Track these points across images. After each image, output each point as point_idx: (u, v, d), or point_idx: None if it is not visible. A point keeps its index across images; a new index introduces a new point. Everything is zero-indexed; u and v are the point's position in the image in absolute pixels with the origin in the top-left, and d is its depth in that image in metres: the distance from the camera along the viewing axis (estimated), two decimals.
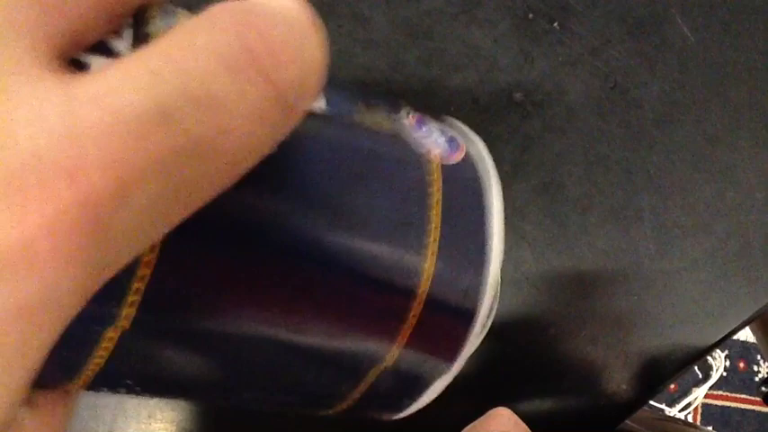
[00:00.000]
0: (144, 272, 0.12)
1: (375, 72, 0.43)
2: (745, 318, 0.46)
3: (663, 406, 1.31)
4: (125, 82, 0.09)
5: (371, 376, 0.15)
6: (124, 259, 0.10)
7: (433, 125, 0.17)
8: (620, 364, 0.44)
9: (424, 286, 0.14)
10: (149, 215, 0.10)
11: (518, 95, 0.44)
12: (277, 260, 0.13)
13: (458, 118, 0.46)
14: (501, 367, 0.43)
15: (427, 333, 0.15)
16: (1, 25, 0.09)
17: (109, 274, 0.10)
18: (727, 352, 1.36)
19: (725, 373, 1.35)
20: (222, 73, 0.10)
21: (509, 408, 0.36)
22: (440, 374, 0.16)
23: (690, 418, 1.35)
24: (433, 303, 0.15)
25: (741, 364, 1.37)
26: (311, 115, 0.14)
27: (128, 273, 0.12)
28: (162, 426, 0.42)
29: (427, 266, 0.14)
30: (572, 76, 0.45)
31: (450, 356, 0.15)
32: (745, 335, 1.37)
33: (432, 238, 0.14)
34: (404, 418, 0.24)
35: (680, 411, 1.33)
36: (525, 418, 0.35)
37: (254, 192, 0.13)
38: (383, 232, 0.14)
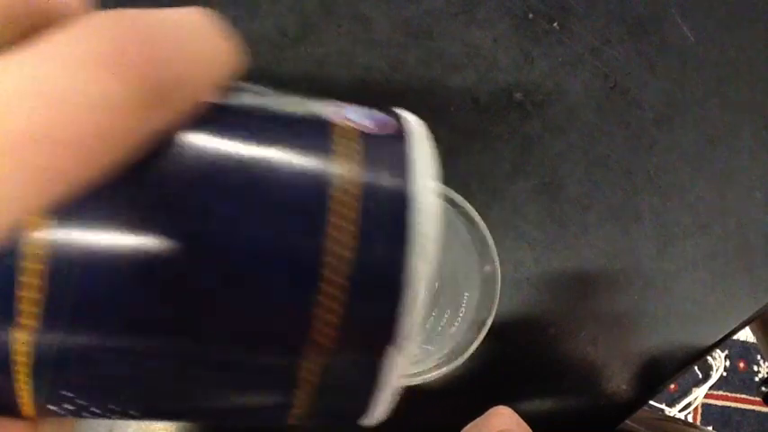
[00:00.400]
0: (34, 266, 0.12)
1: (375, 72, 0.43)
2: (745, 318, 0.46)
3: (663, 406, 1.31)
4: None
5: (304, 374, 0.14)
6: None
7: (363, 110, 0.15)
8: (620, 364, 0.44)
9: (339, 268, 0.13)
10: None
11: (518, 95, 0.44)
12: (164, 258, 0.13)
13: (458, 118, 0.46)
14: (501, 367, 0.43)
15: (350, 325, 0.13)
16: None
17: None
18: (727, 352, 1.35)
19: (725, 373, 1.35)
20: (66, 66, 0.10)
21: (509, 407, 0.36)
22: (385, 362, 0.14)
23: (690, 418, 1.35)
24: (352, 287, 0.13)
25: (741, 364, 1.37)
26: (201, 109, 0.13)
27: (12, 265, 0.12)
28: (162, 426, 0.42)
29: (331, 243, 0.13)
30: (572, 76, 0.45)
31: (388, 336, 0.14)
32: (745, 335, 1.37)
33: (334, 215, 0.13)
34: (404, 418, 0.24)
35: (680, 411, 1.33)
36: (525, 417, 0.35)
37: (139, 184, 0.12)
38: (273, 216, 0.13)
